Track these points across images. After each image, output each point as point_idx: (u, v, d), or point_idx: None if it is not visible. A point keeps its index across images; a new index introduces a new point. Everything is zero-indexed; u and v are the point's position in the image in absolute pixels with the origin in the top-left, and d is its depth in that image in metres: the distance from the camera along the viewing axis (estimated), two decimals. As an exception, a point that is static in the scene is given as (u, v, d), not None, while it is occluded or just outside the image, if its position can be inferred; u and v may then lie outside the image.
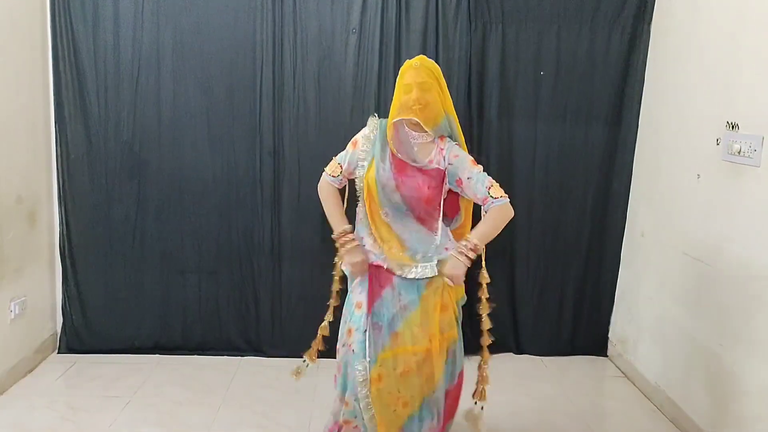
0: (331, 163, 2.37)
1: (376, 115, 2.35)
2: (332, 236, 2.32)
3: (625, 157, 3.46)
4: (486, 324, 2.36)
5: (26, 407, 2.90)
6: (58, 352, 3.46)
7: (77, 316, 3.44)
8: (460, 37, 3.30)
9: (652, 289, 3.21)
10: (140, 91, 3.29)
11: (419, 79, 2.15)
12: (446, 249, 2.27)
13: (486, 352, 2.42)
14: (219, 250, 3.43)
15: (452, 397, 2.39)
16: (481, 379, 2.45)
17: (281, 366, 3.37)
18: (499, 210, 2.21)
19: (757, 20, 2.47)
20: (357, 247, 2.28)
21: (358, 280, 2.33)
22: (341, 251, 2.30)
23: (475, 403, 2.45)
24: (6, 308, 3.04)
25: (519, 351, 3.64)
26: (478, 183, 2.22)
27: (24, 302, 3.17)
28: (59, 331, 3.49)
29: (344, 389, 2.33)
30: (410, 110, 2.14)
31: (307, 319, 3.39)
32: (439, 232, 2.27)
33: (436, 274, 2.24)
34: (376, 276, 2.27)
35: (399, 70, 2.23)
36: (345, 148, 2.35)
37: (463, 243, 2.20)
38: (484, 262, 2.33)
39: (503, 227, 2.25)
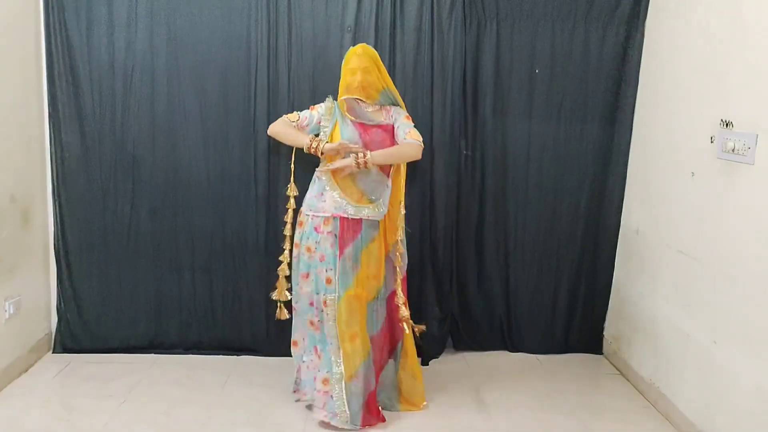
0: (292, 113, 2.94)
1: (330, 96, 2.89)
2: (304, 148, 2.80)
3: (620, 154, 3.46)
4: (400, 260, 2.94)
5: (21, 407, 2.90)
6: (53, 352, 3.45)
7: (72, 316, 3.43)
8: (454, 35, 3.30)
9: (647, 287, 3.22)
10: (134, 91, 3.28)
11: (362, 65, 2.73)
12: (387, 187, 2.85)
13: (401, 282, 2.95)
14: (213, 249, 3.43)
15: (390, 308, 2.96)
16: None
17: (276, 365, 3.38)
18: (403, 145, 2.79)
19: (751, 18, 2.48)
20: (323, 139, 2.80)
21: (303, 225, 2.84)
22: (321, 146, 2.76)
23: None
24: (0, 308, 3.04)
25: (514, 349, 3.65)
26: (400, 129, 2.82)
27: (18, 302, 3.16)
28: (54, 330, 3.48)
29: (303, 315, 2.91)
30: (354, 90, 2.76)
31: (303, 317, 3.40)
32: (391, 176, 2.86)
33: (385, 211, 2.87)
34: (346, 229, 2.77)
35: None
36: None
37: (361, 154, 2.72)
38: (402, 196, 2.91)
39: (400, 159, 2.84)
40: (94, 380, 3.17)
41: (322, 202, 2.79)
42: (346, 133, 2.79)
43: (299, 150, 2.87)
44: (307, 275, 2.82)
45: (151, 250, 3.42)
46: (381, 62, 2.82)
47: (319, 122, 2.87)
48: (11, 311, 3.10)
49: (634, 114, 3.40)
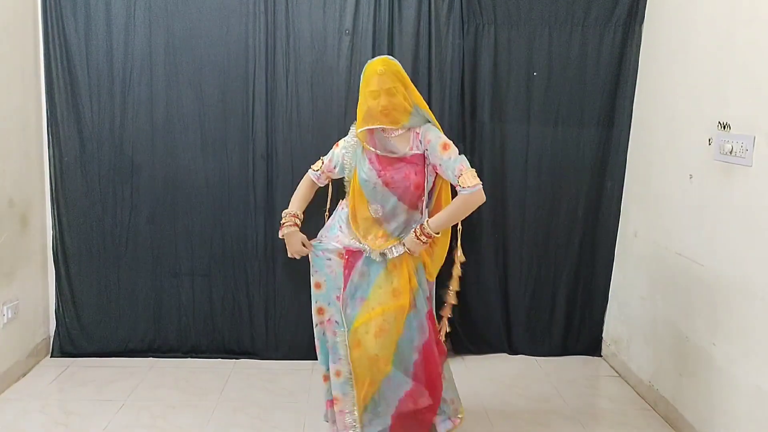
0: (317, 161, 2.63)
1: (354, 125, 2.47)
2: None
3: (618, 157, 3.47)
4: (451, 299, 2.58)
5: (19, 411, 2.89)
6: (51, 356, 3.44)
7: (70, 320, 3.42)
8: (452, 39, 3.31)
9: (645, 289, 3.22)
10: (133, 95, 3.28)
11: (385, 86, 2.27)
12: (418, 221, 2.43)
13: (444, 324, 2.59)
14: (212, 253, 3.43)
15: (429, 361, 2.44)
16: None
17: (275, 369, 3.38)
18: (464, 199, 2.30)
19: (749, 21, 2.48)
20: (294, 232, 2.52)
21: (312, 262, 2.52)
22: (280, 232, 2.55)
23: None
24: (-2, 312, 3.04)
25: (513, 352, 3.65)
26: (447, 170, 2.32)
27: (17, 306, 3.16)
28: (52, 334, 3.47)
29: (326, 366, 2.53)
30: (377, 119, 2.30)
31: (301, 321, 3.41)
32: (424, 215, 2.43)
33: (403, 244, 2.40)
34: (352, 256, 2.42)
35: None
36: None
37: (420, 228, 2.34)
38: (459, 242, 2.50)
39: (467, 214, 2.37)
40: (92, 384, 3.17)
41: (339, 232, 2.49)
42: (363, 173, 2.37)
43: (338, 192, 2.64)
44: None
45: (150, 253, 3.41)
46: (406, 76, 2.36)
47: (343, 159, 2.49)
48: (9, 315, 3.10)
49: (632, 117, 3.41)
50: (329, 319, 2.48)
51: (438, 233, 2.36)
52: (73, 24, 3.22)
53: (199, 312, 3.47)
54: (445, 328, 2.62)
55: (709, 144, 2.68)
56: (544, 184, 3.50)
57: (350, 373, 2.43)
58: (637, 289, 3.31)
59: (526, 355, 3.64)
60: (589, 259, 3.59)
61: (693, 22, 2.88)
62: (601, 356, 3.67)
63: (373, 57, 3.23)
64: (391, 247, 2.38)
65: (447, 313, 2.62)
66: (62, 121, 3.28)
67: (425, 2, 3.27)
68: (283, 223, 2.55)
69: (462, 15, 3.30)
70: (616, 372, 3.48)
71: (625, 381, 3.37)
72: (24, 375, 3.23)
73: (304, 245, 2.52)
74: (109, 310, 3.44)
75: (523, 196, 3.51)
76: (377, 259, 2.38)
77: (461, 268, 2.54)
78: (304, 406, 3.01)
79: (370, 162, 2.37)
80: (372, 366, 2.39)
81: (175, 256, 3.42)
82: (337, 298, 2.45)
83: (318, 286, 2.51)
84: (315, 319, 2.54)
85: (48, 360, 3.42)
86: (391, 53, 3.28)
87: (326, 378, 2.56)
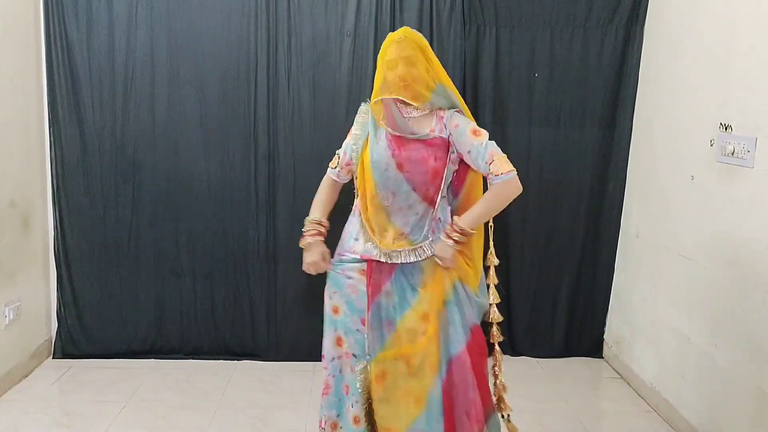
0: (334, 157, 2.28)
1: (368, 100, 2.18)
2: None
3: (620, 159, 3.47)
4: (495, 317, 2.20)
5: (21, 413, 2.89)
6: (53, 357, 3.44)
7: (72, 321, 3.43)
8: (453, 40, 3.31)
9: (647, 290, 3.22)
10: (134, 95, 3.29)
11: (404, 54, 1.98)
12: (433, 232, 2.09)
13: (498, 352, 2.23)
14: (214, 254, 3.43)
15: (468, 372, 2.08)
16: (497, 388, 2.24)
17: (277, 370, 3.38)
18: (498, 188, 2.03)
19: (750, 22, 2.48)
20: (317, 242, 2.16)
21: (327, 282, 2.20)
22: (301, 241, 2.19)
23: (502, 416, 2.25)
24: (0, 313, 3.03)
25: (515, 353, 3.65)
26: (478, 157, 2.02)
27: (18, 307, 3.16)
28: (54, 336, 3.47)
29: (339, 409, 2.19)
30: (395, 88, 1.99)
31: (302, 323, 3.41)
32: (437, 208, 2.08)
33: (431, 254, 2.07)
34: (376, 272, 2.09)
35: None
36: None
37: (450, 226, 2.04)
38: (492, 243, 2.18)
39: (505, 205, 2.08)
40: (94, 385, 3.17)
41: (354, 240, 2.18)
42: (376, 153, 2.06)
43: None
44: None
45: (152, 254, 3.42)
46: (430, 50, 2.06)
47: (354, 132, 2.21)
48: (11, 317, 3.10)
49: (634, 118, 3.41)
50: (347, 353, 2.15)
51: (473, 230, 2.04)
52: (74, 24, 3.22)
53: (200, 313, 3.47)
54: (497, 336, 2.25)
55: (711, 145, 2.68)
56: (545, 185, 3.50)
57: (368, 420, 2.11)
58: (639, 290, 3.31)
59: (527, 356, 3.64)
60: (590, 261, 3.59)
61: (694, 24, 2.87)
62: (602, 357, 3.66)
63: (374, 58, 3.24)
64: (401, 251, 2.07)
65: (496, 338, 2.25)
66: (64, 121, 3.28)
67: (426, 3, 3.27)
68: (306, 232, 2.18)
69: (463, 16, 3.31)
70: (618, 373, 3.48)
71: (627, 382, 3.37)
72: (26, 376, 3.23)
73: (323, 259, 2.17)
74: (110, 312, 3.44)
75: (525, 197, 3.44)
76: (382, 259, 2.08)
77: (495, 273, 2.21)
78: (305, 407, 3.00)
79: (384, 140, 2.05)
80: (398, 404, 2.06)
81: (177, 257, 3.42)
82: (362, 321, 2.11)
83: (336, 311, 2.15)
84: (331, 352, 2.17)
85: (50, 361, 3.42)
86: (392, 54, 3.28)
87: (334, 426, 2.20)
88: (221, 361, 3.47)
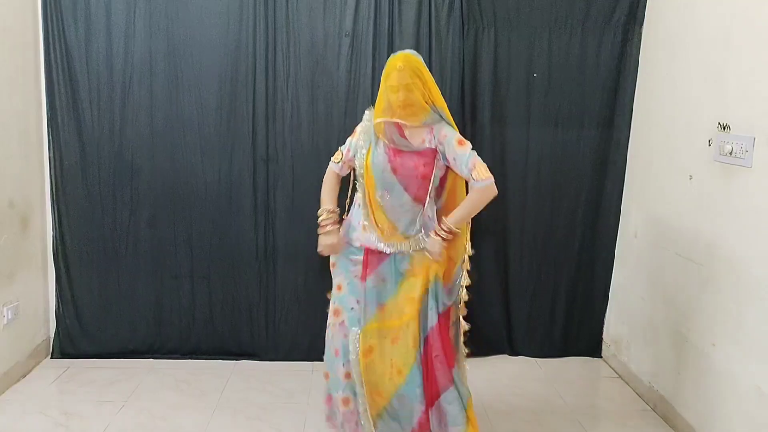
0: (336, 152, 2.55)
1: (371, 107, 2.45)
2: (317, 213, 2.47)
3: (618, 159, 3.47)
4: (462, 295, 2.51)
5: (19, 412, 2.89)
6: (51, 357, 3.44)
7: (70, 321, 3.42)
8: (452, 41, 3.31)
9: (645, 290, 3.23)
10: (133, 98, 3.29)
11: (404, 82, 2.28)
12: (424, 227, 2.43)
13: (462, 325, 2.51)
14: (212, 255, 3.43)
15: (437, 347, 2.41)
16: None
17: (275, 370, 3.38)
18: (478, 192, 2.36)
19: (748, 22, 2.49)
20: (334, 229, 2.45)
21: (336, 263, 2.51)
22: (319, 230, 2.46)
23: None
24: (-1, 313, 3.04)
25: (513, 352, 3.65)
26: (462, 164, 2.35)
27: (17, 307, 3.16)
28: (52, 335, 3.47)
29: (330, 368, 2.52)
30: (394, 113, 2.33)
31: (301, 323, 3.42)
32: (426, 207, 2.41)
33: (422, 246, 2.40)
34: (373, 259, 2.42)
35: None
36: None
37: (439, 226, 2.38)
38: (468, 235, 2.50)
39: (483, 207, 2.41)
40: (92, 385, 3.17)
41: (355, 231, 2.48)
42: (376, 158, 2.39)
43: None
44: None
45: (150, 255, 3.42)
46: (426, 72, 2.35)
47: (359, 141, 2.48)
48: (9, 317, 3.10)
49: (632, 118, 3.42)
50: (342, 322, 2.47)
51: (458, 229, 2.39)
52: (73, 28, 3.22)
53: (199, 313, 3.47)
54: (462, 310, 2.53)
55: (709, 145, 2.68)
56: (544, 186, 3.50)
57: (361, 380, 2.40)
58: (637, 289, 3.31)
59: (526, 355, 3.64)
60: (589, 260, 3.60)
61: (692, 24, 2.88)
62: (601, 357, 3.67)
63: (373, 60, 3.27)
64: (396, 243, 2.39)
65: (461, 296, 2.54)
66: (63, 124, 3.28)
67: (425, 4, 3.27)
68: (324, 222, 2.45)
69: (462, 17, 3.31)
70: (616, 373, 3.48)
71: (625, 382, 3.37)
72: (24, 376, 3.23)
73: (339, 243, 2.46)
74: (109, 312, 3.44)
75: (524, 197, 3.52)
76: (386, 251, 2.39)
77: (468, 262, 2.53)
78: (304, 407, 3.01)
79: (383, 148, 2.39)
80: (383, 374, 2.39)
81: (175, 257, 3.42)
82: (357, 301, 2.45)
83: (339, 287, 2.50)
84: (330, 319, 2.52)
85: (48, 361, 3.42)
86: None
87: (327, 375, 2.54)
88: (220, 361, 3.47)
